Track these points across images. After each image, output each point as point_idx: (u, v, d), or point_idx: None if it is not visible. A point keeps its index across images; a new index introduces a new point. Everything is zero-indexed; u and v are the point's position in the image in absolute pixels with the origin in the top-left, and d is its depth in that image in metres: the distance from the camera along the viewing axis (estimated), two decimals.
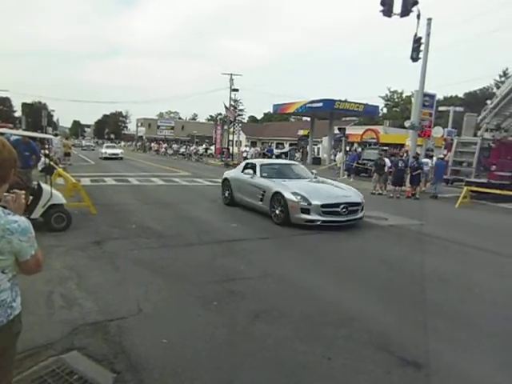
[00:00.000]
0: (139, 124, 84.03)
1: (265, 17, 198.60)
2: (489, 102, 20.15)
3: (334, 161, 31.53)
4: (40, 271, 2.06)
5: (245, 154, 33.56)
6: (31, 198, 7.58)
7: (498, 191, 15.19)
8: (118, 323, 4.09)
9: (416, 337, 4.13)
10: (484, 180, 17.27)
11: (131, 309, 4.45)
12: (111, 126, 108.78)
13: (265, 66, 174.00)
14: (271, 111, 50.74)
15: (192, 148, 46.14)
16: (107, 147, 39.57)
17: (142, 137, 77.07)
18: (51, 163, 8.82)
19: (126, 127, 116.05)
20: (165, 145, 56.66)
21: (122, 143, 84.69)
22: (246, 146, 41.04)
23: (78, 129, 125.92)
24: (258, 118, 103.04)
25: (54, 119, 73.61)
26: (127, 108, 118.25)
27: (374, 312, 4.74)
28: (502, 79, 53.93)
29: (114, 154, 36.09)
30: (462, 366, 3.63)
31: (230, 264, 6.35)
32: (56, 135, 22.95)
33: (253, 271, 6.04)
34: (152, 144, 65.68)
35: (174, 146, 52.12)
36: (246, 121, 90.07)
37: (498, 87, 40.31)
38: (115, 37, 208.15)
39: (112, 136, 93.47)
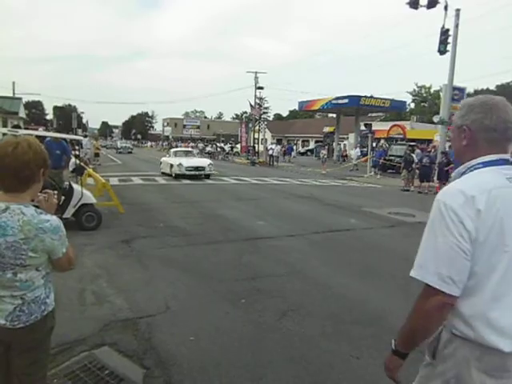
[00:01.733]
0: (165, 124, 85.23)
1: (288, 14, 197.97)
2: None
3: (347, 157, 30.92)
4: (72, 268, 2.12)
5: (270, 152, 33.42)
6: (63, 198, 7.79)
7: None
8: (147, 320, 4.16)
9: None
10: None
11: (160, 306, 4.53)
12: (138, 127, 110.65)
13: (290, 63, 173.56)
14: (296, 108, 50.61)
15: (218, 146, 46.46)
16: (179, 154, 21.45)
17: (168, 136, 78.03)
18: (81, 164, 9.04)
19: (153, 127, 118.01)
20: (191, 144, 57.20)
21: (149, 143, 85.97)
22: (271, 143, 40.93)
23: (106, 130, 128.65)
24: (284, 115, 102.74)
25: (84, 121, 75.36)
26: (153, 108, 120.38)
27: (400, 311, 4.64)
28: None
29: (197, 169, 19.14)
30: None
31: (256, 262, 6.36)
32: (85, 136, 23.49)
33: (280, 269, 6.04)
34: (178, 143, 66.44)
35: (200, 145, 52.63)
36: (271, 119, 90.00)
37: None
38: (140, 39, 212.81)
39: (139, 136, 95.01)
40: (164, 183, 17.30)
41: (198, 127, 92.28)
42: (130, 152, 50.03)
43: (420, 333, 1.58)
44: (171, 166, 19.52)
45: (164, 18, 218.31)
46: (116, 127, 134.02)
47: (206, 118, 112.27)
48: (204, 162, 20.59)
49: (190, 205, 11.85)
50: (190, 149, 29.61)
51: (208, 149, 48.13)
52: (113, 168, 24.37)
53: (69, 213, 7.76)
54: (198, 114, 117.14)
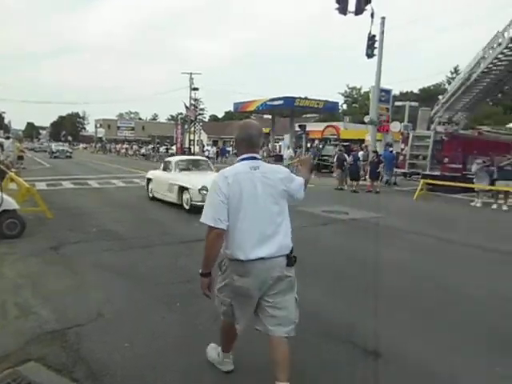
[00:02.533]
0: (98, 125, 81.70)
1: (223, 16, 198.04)
2: (441, 97, 20.99)
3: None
4: None
5: (206, 154, 33.37)
6: None
7: (450, 183, 15.76)
8: (76, 330, 3.95)
9: (373, 326, 4.22)
10: (437, 173, 17.80)
11: (91, 314, 4.32)
12: (68, 128, 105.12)
13: (225, 65, 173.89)
14: (232, 110, 50.70)
15: (149, 147, 45.58)
16: (183, 166, 12.35)
17: (101, 138, 75.07)
18: (2, 167, 8.43)
19: (84, 129, 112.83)
20: (125, 145, 55.57)
21: (81, 145, 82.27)
22: (207, 144, 40.74)
23: (32, 131, 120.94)
24: (219, 116, 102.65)
25: (6, 121, 70.26)
26: (85, 109, 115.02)
27: (332, 304, 4.82)
28: (453, 76, 56.22)
29: None
30: (416, 352, 3.75)
31: (192, 264, 6.24)
32: (8, 138, 21.95)
33: (214, 271, 5.99)
34: (112, 145, 64.17)
35: (134, 147, 51.35)
36: (207, 120, 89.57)
37: (450, 83, 41.99)
38: (72, 35, 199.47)
39: (69, 138, 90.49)
40: (97, 187, 16.61)
41: (133, 129, 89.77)
42: (70, 156, 42.16)
43: (210, 256, 2.75)
44: (181, 189, 11.07)
45: (98, 15, 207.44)
46: (43, 128, 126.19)
47: (140, 119, 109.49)
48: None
49: (125, 209, 11.48)
50: (201, 157, 17.82)
51: (143, 150, 46.97)
52: (40, 172, 22.98)
53: None
54: (132, 116, 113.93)
